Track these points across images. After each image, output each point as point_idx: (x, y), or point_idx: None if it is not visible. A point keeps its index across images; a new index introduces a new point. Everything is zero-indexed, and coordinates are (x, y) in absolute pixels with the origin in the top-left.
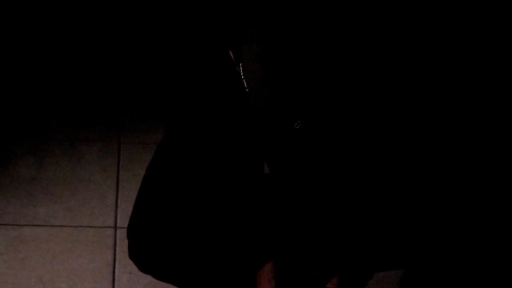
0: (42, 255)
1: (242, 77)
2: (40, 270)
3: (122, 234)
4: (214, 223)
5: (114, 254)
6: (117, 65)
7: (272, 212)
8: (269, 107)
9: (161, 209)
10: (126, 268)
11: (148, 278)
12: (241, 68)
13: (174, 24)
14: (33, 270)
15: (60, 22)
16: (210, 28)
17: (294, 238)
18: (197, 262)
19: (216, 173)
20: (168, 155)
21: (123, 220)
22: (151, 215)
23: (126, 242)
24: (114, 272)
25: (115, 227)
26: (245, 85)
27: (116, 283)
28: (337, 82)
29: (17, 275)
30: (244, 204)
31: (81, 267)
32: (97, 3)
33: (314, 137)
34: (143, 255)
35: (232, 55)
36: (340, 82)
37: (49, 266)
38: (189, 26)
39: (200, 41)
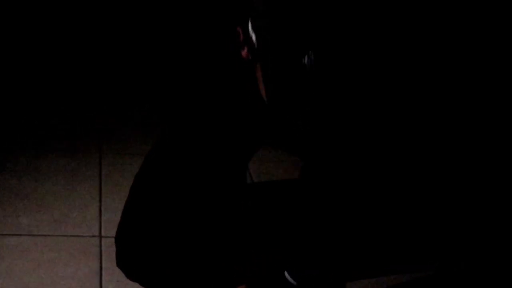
0: (27, 264)
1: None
2: (26, 278)
3: (107, 243)
4: (205, 232)
5: (100, 263)
6: (99, 74)
7: (272, 211)
8: (270, 106)
9: (151, 217)
10: (113, 276)
11: (136, 286)
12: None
13: (174, 22)
14: (18, 279)
15: (55, 23)
16: (211, 27)
17: (294, 237)
18: (187, 270)
19: (207, 182)
20: (158, 164)
21: (108, 230)
22: (140, 223)
23: (112, 250)
24: (101, 280)
25: (100, 236)
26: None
27: None
28: (338, 80)
29: (3, 284)
30: (244, 204)
31: (67, 275)
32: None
33: (314, 135)
34: (131, 263)
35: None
36: (340, 80)
37: (35, 275)
38: (190, 25)
39: (200, 43)
